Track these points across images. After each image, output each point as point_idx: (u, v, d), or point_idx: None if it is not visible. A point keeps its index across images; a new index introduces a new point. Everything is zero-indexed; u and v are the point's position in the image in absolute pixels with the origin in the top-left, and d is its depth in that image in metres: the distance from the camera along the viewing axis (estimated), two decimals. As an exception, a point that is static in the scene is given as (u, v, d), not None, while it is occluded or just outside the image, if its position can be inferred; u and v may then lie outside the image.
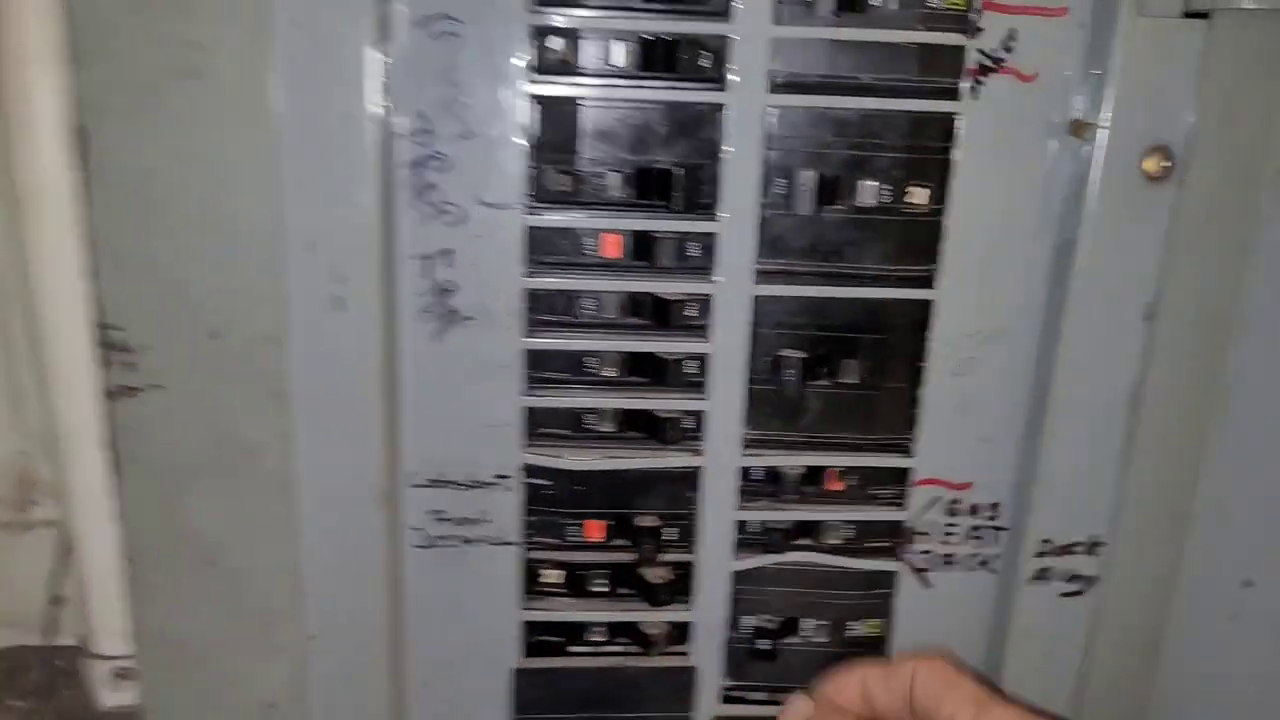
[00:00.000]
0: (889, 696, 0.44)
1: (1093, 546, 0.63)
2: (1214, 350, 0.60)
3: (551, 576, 0.64)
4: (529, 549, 0.63)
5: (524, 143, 0.55)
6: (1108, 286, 0.58)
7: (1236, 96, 0.55)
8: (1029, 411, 0.62)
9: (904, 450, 0.64)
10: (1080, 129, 0.56)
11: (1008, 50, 0.56)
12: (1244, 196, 0.57)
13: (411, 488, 0.61)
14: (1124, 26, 0.54)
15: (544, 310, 0.59)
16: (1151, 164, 0.56)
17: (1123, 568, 0.63)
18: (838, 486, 0.65)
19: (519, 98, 0.54)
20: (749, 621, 0.67)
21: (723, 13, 0.54)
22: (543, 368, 0.60)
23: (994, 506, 0.65)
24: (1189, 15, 0.54)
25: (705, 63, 0.55)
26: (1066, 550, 0.63)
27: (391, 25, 0.52)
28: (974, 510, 0.65)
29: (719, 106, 0.56)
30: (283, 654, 0.59)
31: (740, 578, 0.65)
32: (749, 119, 0.56)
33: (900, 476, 0.64)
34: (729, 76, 0.55)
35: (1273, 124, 0.56)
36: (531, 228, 0.57)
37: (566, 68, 0.55)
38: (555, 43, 0.54)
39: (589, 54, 0.55)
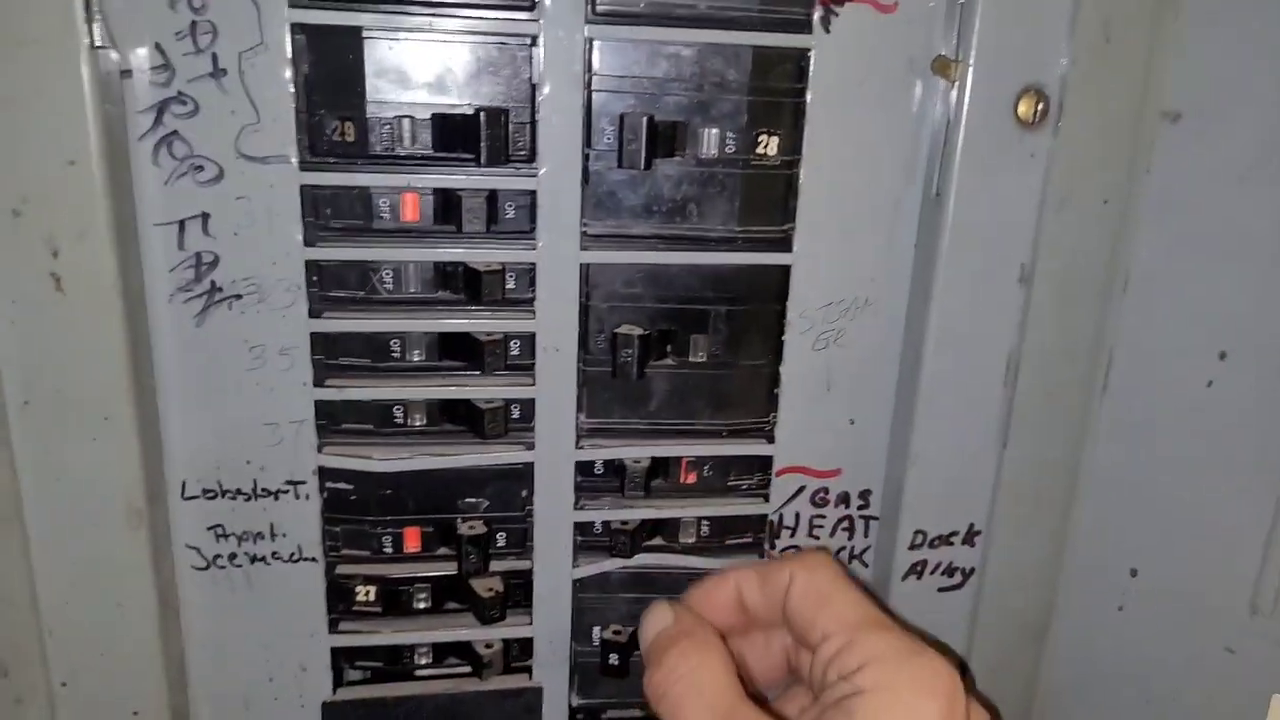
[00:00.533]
0: (765, 601, 0.42)
1: (971, 536, 0.57)
2: (1094, 315, 0.54)
3: (364, 594, 0.55)
4: (334, 564, 0.54)
5: (291, 82, 0.45)
6: (981, 246, 0.51)
7: (1115, 28, 0.48)
8: (900, 389, 0.56)
9: (764, 435, 0.57)
10: (945, 67, 0.49)
11: (864, -26, 0.49)
12: (1125, 142, 0.51)
13: (183, 500, 0.51)
14: (991, -53, 0.47)
15: (333, 285, 0.50)
16: (1025, 107, 0.49)
17: (1003, 557, 0.57)
18: (690, 479, 0.57)
19: (282, 25, 0.45)
20: (597, 634, 0.59)
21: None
22: (337, 353, 0.51)
23: (865, 495, 0.59)
24: (1062, -66, 0.47)
25: (510, -14, 0.46)
26: (944, 541, 0.57)
27: (105, -69, 0.42)
28: (843, 500, 0.59)
29: (531, 38, 0.47)
30: (24, 705, 0.49)
31: (584, 585, 0.57)
32: (567, 53, 0.48)
33: (761, 465, 0.57)
34: (542, 1, 0.46)
35: (1154, 59, 0.50)
36: (309, 186, 0.48)
37: (341, -9, 0.45)
38: (325, -41, 0.45)
39: (369, -26, 0.45)
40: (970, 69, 0.48)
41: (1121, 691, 0.56)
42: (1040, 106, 0.49)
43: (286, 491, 0.52)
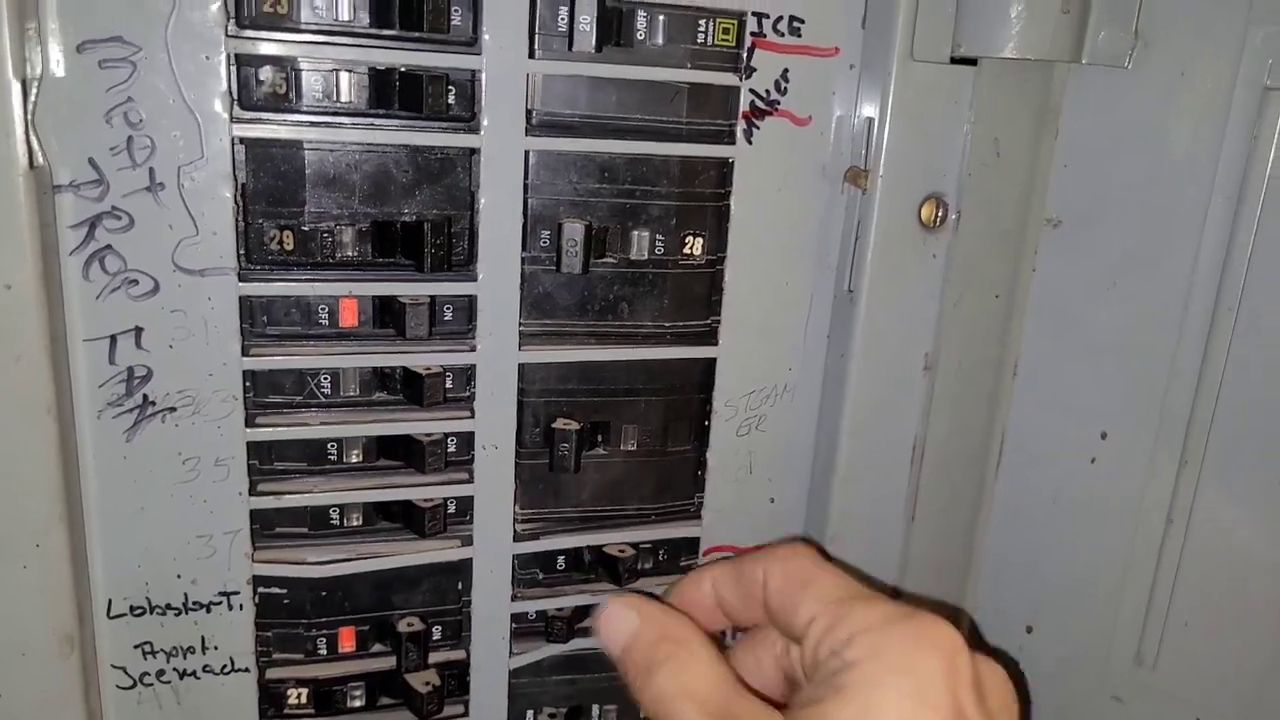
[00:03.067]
0: (741, 597, 0.38)
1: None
2: (987, 400, 0.59)
3: (295, 697, 0.54)
4: (265, 669, 0.53)
5: (230, 194, 0.45)
6: (890, 337, 0.56)
7: (1005, 144, 0.54)
8: (815, 469, 0.59)
9: (691, 517, 0.59)
10: (858, 177, 0.53)
11: (781, 92, 0.53)
12: (1014, 243, 0.56)
13: (109, 619, 0.49)
14: (897, 70, 0.51)
15: (269, 392, 0.50)
16: (927, 212, 0.54)
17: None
18: (647, 564, 0.59)
19: (221, 139, 0.44)
20: (532, 717, 0.59)
21: (470, 43, 0.47)
22: (272, 459, 0.51)
23: (784, 567, 0.62)
24: (956, 61, 0.52)
25: (452, 100, 0.47)
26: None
27: (40, 50, 0.41)
28: (765, 573, 0.61)
29: (471, 150, 0.48)
30: None
31: (519, 672, 0.58)
32: (507, 164, 0.49)
33: (689, 547, 0.59)
34: (482, 116, 0.48)
35: (1037, 172, 0.55)
36: (247, 296, 0.47)
37: (282, 103, 0.45)
38: (266, 73, 0.45)
39: (311, 87, 0.46)
40: (880, 179, 0.53)
41: (1021, 739, 0.61)
42: (940, 212, 0.54)
43: (219, 603, 0.50)
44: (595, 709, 0.61)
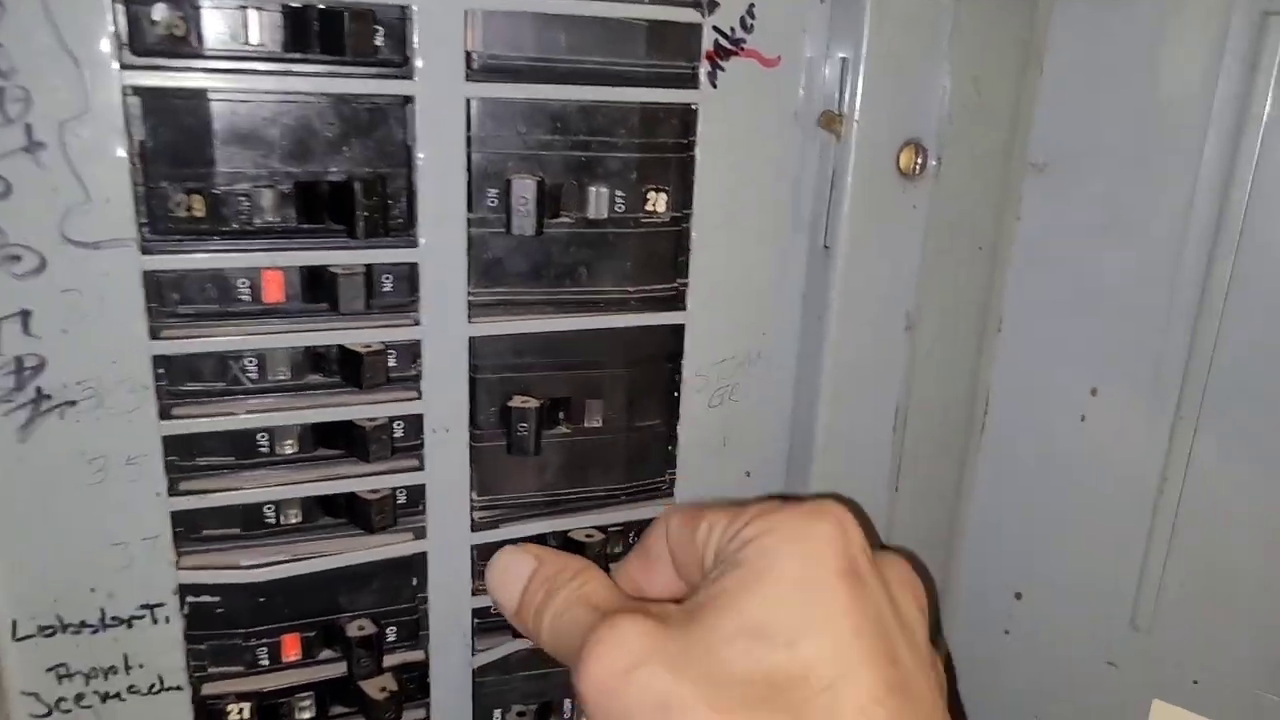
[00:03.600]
0: (647, 571, 0.41)
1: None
2: (971, 358, 0.56)
3: (236, 713, 0.49)
4: (200, 685, 0.48)
5: (124, 153, 0.39)
6: (869, 296, 0.52)
7: (987, 82, 0.50)
8: (794, 438, 0.55)
9: (663, 495, 0.55)
10: (832, 122, 0.49)
11: (747, 29, 0.48)
12: (997, 190, 0.53)
13: (15, 642, 0.43)
14: (874, 3, 0.47)
15: (186, 379, 0.44)
16: (906, 159, 0.50)
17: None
18: (617, 548, 0.54)
19: (109, 90, 0.38)
20: (499, 717, 0.55)
21: (400, -23, 0.41)
22: (194, 454, 0.45)
23: (760, 543, 0.58)
24: (934, -10, 0.48)
25: (380, 41, 0.42)
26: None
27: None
28: (740, 551, 0.57)
29: (405, 99, 0.43)
30: None
31: (483, 670, 0.54)
32: (446, 114, 0.44)
33: (659, 525, 0.55)
34: (415, 60, 0.42)
35: (1020, 113, 0.51)
36: (153, 271, 0.41)
37: (181, 47, 0.39)
38: (160, 11, 0.39)
39: (214, 28, 0.40)
40: (856, 124, 0.48)
41: (1010, 711, 0.59)
42: (920, 159, 0.50)
43: (142, 617, 0.45)
44: (567, 704, 0.57)
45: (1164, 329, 0.49)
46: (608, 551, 0.53)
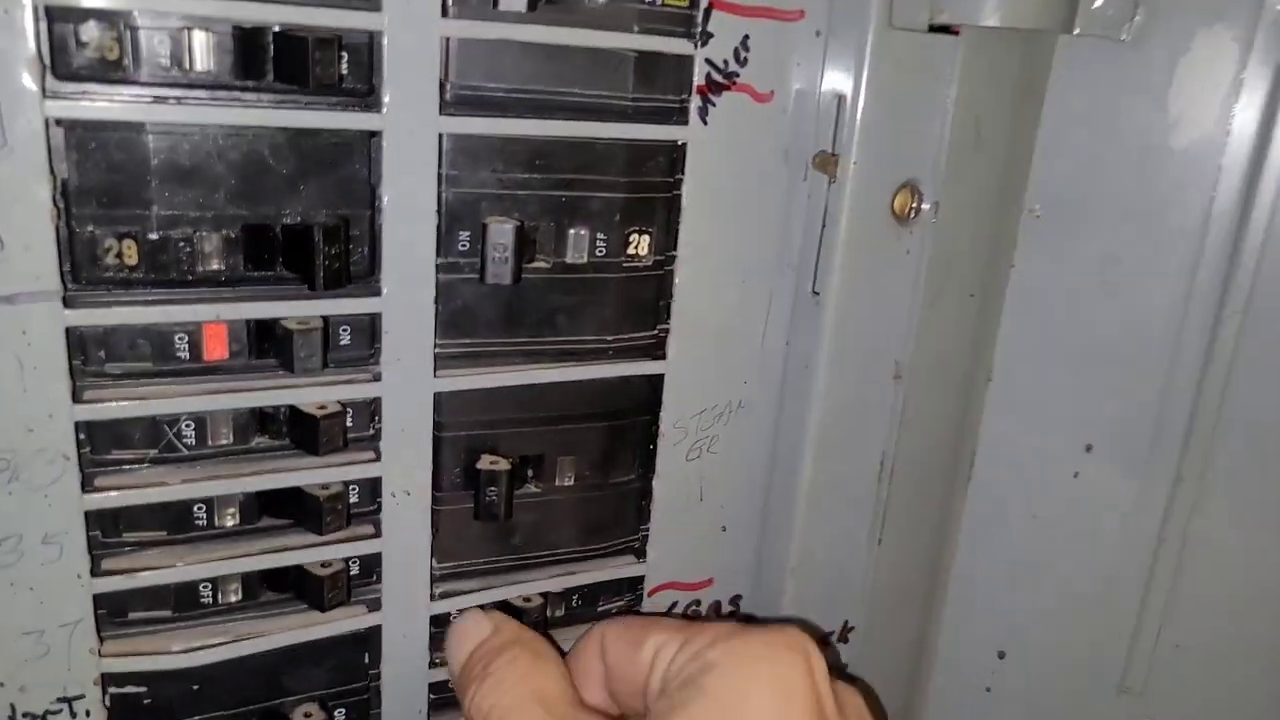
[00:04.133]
0: (591, 685, 0.39)
1: (845, 633, 0.55)
2: (960, 408, 0.53)
3: (165, 811, 0.44)
4: (124, 782, 0.42)
5: (46, 194, 0.34)
6: (858, 344, 0.49)
7: (987, 125, 0.47)
8: (774, 491, 0.52)
9: (635, 553, 0.51)
10: (827, 163, 0.46)
11: (740, 62, 0.45)
12: (993, 237, 0.50)
13: (-97, 748, 0.37)
14: (873, 38, 0.44)
15: (113, 446, 0.39)
16: (901, 202, 0.47)
17: (876, 650, 0.56)
18: (558, 611, 0.50)
19: (30, 120, 0.33)
20: (455, 796, 0.51)
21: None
22: (121, 529, 0.40)
23: (735, 600, 0.55)
24: (934, 30, 0.45)
25: (346, 69, 0.37)
26: (821, 642, 0.54)
27: None
28: (715, 609, 0.54)
29: (370, 133, 0.38)
30: None
31: (440, 747, 0.49)
32: (416, 150, 0.39)
33: (633, 585, 0.52)
34: (384, 91, 0.38)
35: (1023, 157, 0.49)
36: (77, 327, 0.36)
37: (114, 72, 0.34)
38: (89, 30, 0.33)
39: (153, 51, 0.34)
40: (853, 165, 0.45)
41: (990, 770, 0.57)
42: (915, 202, 0.48)
43: (58, 712, 0.40)
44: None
45: (1165, 386, 0.47)
46: (548, 616, 0.49)
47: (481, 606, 0.46)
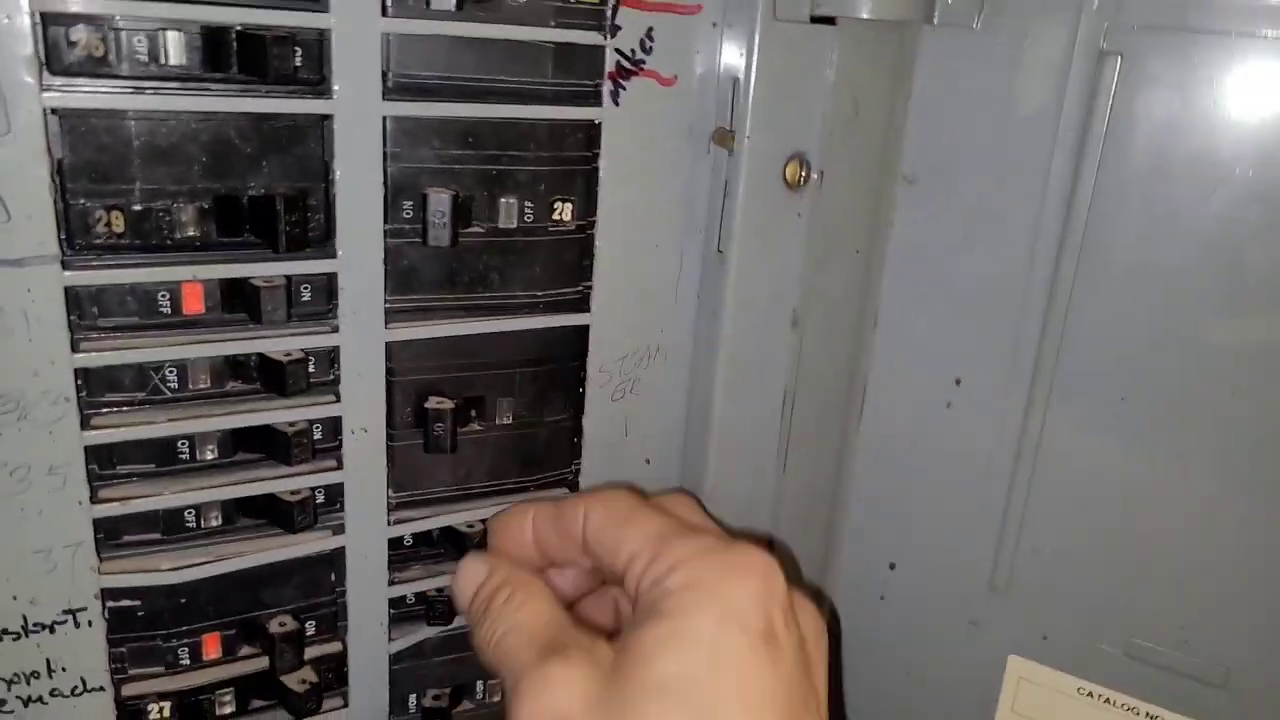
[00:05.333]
0: (561, 541, 0.40)
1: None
2: (850, 351, 0.61)
3: (156, 712, 0.50)
4: (121, 685, 0.49)
5: (45, 173, 0.40)
6: (759, 296, 0.56)
7: (864, 103, 0.55)
8: (689, 426, 0.60)
9: (568, 485, 0.58)
10: (725, 138, 0.53)
11: (646, 51, 0.51)
12: (873, 201, 0.58)
13: (-69, 652, 0.44)
14: (760, 29, 0.51)
15: (106, 389, 0.45)
16: (792, 172, 0.54)
17: (783, 564, 0.63)
18: None
19: (30, 110, 0.39)
20: (414, 702, 0.58)
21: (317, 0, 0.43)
22: (115, 463, 0.46)
23: (661, 525, 0.62)
24: (816, 20, 0.52)
25: (299, 62, 0.43)
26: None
27: None
28: (642, 533, 0.62)
29: (323, 117, 0.45)
30: None
31: (399, 657, 0.56)
32: (364, 132, 0.46)
33: (567, 513, 0.59)
34: (333, 80, 0.44)
35: (896, 130, 0.57)
36: (73, 286, 0.42)
37: (100, 68, 0.40)
38: (79, 32, 0.39)
39: (133, 49, 0.40)
40: (746, 139, 0.52)
41: (887, 667, 0.65)
42: (804, 171, 0.55)
43: (64, 622, 0.46)
44: (480, 685, 0.60)
45: (1019, 324, 0.55)
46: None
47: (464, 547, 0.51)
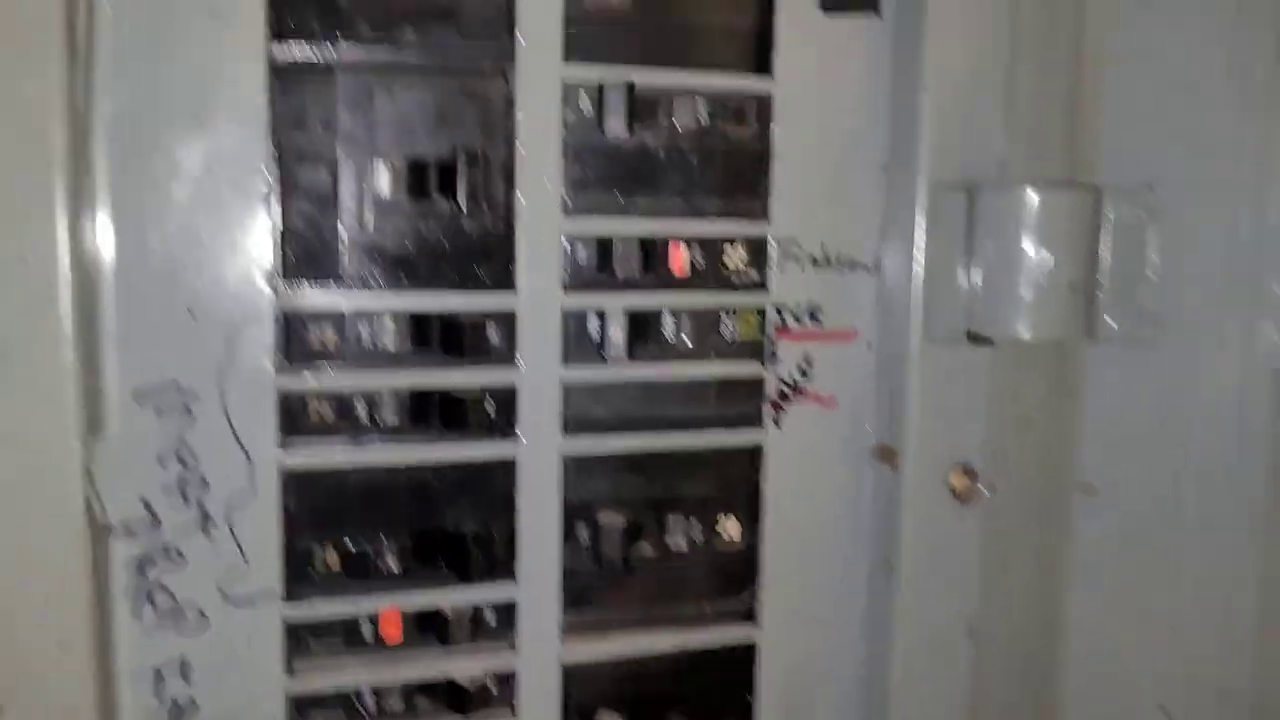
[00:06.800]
0: None
1: None
2: (1040, 665, 0.58)
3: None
4: None
5: (276, 523, 0.46)
6: (930, 608, 0.55)
7: (1029, 415, 0.55)
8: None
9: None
10: (886, 455, 0.54)
11: (805, 375, 0.54)
12: (1050, 512, 0.57)
13: None
14: (914, 351, 0.53)
15: (311, 712, 0.49)
16: (958, 481, 0.55)
17: None
18: None
19: (269, 471, 0.46)
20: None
21: (507, 358, 0.49)
22: (309, 778, 0.49)
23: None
24: (972, 339, 0.54)
25: (493, 413, 0.49)
26: None
27: (102, 407, 0.43)
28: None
29: (509, 459, 0.50)
30: None
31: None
32: (544, 468, 0.50)
33: None
34: (519, 430, 0.49)
35: (1067, 438, 0.56)
36: (292, 623, 0.47)
37: (325, 428, 0.47)
38: (313, 406, 0.47)
39: (355, 411, 0.48)
40: (910, 455, 0.53)
41: None
42: (970, 481, 0.55)
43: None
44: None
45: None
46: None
47: None
